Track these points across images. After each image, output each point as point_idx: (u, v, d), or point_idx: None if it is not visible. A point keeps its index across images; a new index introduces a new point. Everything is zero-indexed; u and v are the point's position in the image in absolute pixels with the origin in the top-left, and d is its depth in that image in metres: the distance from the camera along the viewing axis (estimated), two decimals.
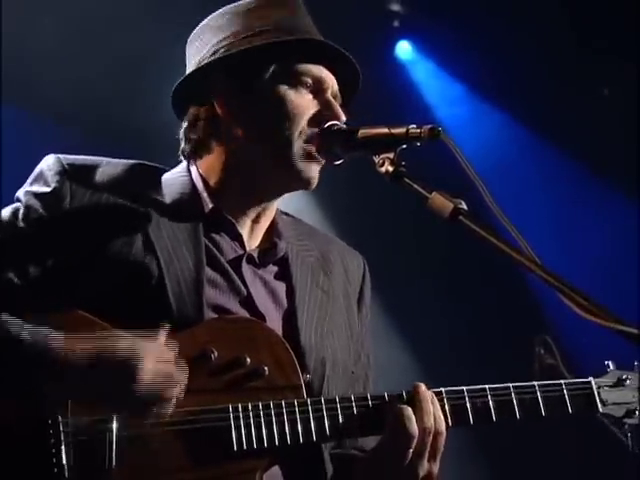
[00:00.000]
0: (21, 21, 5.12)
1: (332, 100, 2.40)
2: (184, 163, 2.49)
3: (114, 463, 2.04)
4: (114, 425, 2.05)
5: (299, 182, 2.40)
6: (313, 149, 2.35)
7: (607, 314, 1.69)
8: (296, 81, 2.38)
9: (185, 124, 2.48)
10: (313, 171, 2.38)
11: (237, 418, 2.14)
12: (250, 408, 2.16)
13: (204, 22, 2.51)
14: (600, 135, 6.34)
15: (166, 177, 2.44)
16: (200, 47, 2.47)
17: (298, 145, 2.35)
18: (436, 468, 2.28)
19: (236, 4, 2.51)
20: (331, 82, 2.42)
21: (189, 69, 2.49)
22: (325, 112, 2.37)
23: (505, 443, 5.68)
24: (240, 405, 2.15)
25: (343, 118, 2.39)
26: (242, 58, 2.39)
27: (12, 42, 4.95)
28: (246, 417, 2.15)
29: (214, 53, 2.41)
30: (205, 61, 2.42)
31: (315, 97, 2.40)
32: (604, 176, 6.54)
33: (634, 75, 6.14)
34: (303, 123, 2.35)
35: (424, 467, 2.25)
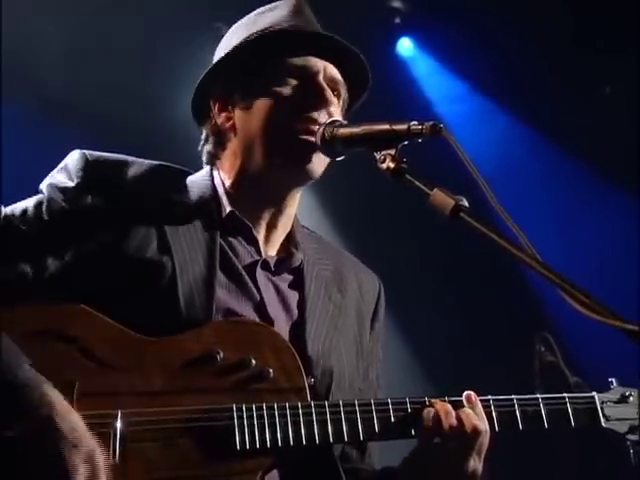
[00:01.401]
0: (21, 21, 5.12)
1: (320, 82, 2.39)
2: (207, 167, 2.51)
3: (117, 457, 2.04)
4: (119, 420, 2.06)
5: (299, 174, 2.40)
6: (305, 136, 2.34)
7: (608, 312, 1.69)
8: (281, 75, 2.38)
9: (201, 141, 2.53)
10: (310, 160, 2.36)
11: (241, 418, 2.14)
12: (254, 409, 2.16)
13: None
14: (601, 133, 6.33)
15: (190, 180, 2.46)
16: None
17: (290, 137, 2.34)
18: (481, 465, 2.29)
19: (249, 15, 2.54)
20: (321, 67, 2.40)
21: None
22: (311, 95, 2.36)
23: (504, 445, 5.68)
24: (244, 406, 2.15)
25: (331, 99, 2.38)
26: (230, 64, 2.42)
27: (13, 42, 4.96)
28: (250, 418, 2.15)
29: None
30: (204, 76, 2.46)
31: (302, 85, 2.38)
32: (605, 174, 6.54)
33: (636, 73, 6.14)
34: (290, 113, 2.35)
35: (474, 464, 2.27)
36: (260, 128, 2.38)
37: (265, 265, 2.41)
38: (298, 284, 2.45)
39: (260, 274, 2.39)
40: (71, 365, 2.09)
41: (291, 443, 2.16)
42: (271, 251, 2.46)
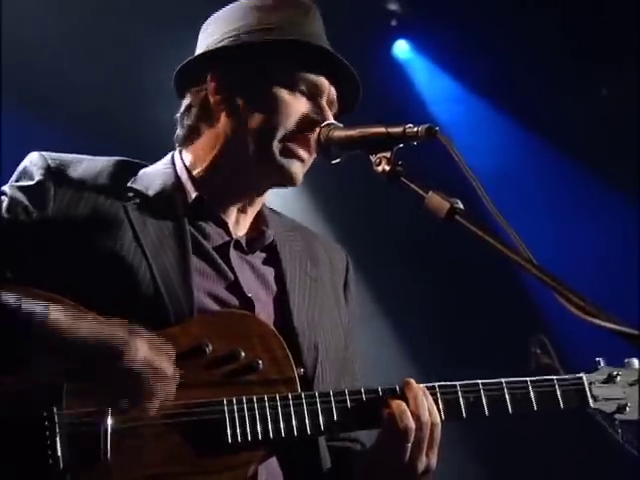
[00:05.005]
0: (21, 21, 5.13)
1: (324, 106, 2.44)
2: (168, 156, 2.53)
3: (109, 455, 2.05)
4: (109, 417, 2.06)
5: (281, 178, 2.44)
6: (297, 148, 2.38)
7: (603, 315, 1.69)
8: (293, 84, 2.41)
9: (181, 109, 2.52)
10: (295, 168, 2.41)
11: (232, 411, 2.16)
12: (245, 401, 2.17)
13: (217, 13, 2.54)
14: (599, 135, 6.34)
15: (146, 170, 2.47)
16: (210, 35, 2.50)
17: (283, 143, 2.38)
18: (434, 460, 2.29)
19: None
20: (327, 89, 2.45)
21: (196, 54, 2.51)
22: (314, 115, 2.40)
23: (503, 441, 5.69)
24: (235, 399, 2.17)
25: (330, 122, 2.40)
26: (245, 50, 2.42)
27: (12, 42, 4.96)
28: (240, 410, 2.16)
29: (221, 41, 2.44)
30: (211, 47, 2.45)
31: (309, 101, 2.43)
32: (603, 176, 6.53)
33: (633, 75, 6.15)
34: (292, 122, 2.38)
35: (422, 460, 2.26)
36: (262, 127, 2.39)
37: (237, 245, 2.43)
38: (272, 260, 2.48)
39: (233, 254, 2.41)
40: None
41: (283, 435, 2.17)
42: (241, 232, 2.48)
